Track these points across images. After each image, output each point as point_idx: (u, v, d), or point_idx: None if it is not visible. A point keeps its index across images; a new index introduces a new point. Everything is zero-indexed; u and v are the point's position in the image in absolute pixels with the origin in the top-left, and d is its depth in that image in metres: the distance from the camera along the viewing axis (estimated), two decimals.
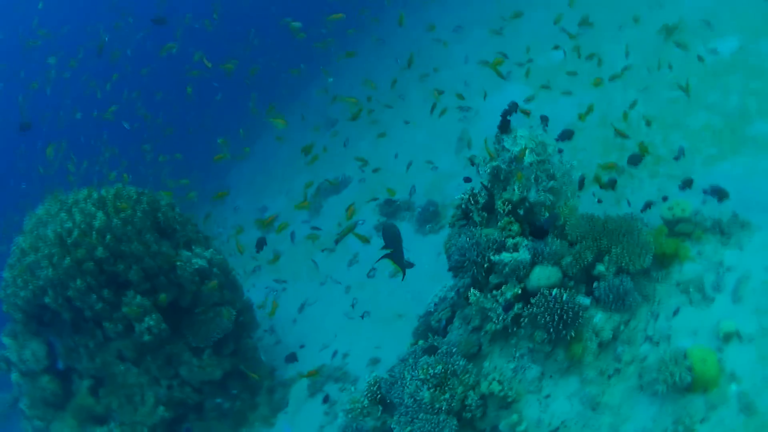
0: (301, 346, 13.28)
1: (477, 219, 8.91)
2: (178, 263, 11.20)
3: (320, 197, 17.49)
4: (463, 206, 9.19)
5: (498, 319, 8.21)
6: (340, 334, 12.86)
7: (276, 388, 12.46)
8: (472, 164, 12.13)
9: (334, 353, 12.48)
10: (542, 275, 8.19)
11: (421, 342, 9.15)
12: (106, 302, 10.81)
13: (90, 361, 11.33)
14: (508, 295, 8.27)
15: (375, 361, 11.72)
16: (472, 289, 8.42)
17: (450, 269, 9.58)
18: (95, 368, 11.36)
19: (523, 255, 8.28)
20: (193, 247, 11.68)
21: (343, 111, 19.47)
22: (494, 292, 8.37)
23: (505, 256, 8.30)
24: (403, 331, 11.70)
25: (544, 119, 11.06)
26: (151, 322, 10.82)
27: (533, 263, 8.34)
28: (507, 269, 8.30)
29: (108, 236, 10.73)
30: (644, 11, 14.90)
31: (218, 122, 24.13)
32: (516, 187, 8.84)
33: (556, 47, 14.03)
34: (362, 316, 12.73)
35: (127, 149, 21.85)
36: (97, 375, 11.45)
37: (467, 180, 10.88)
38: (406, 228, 14.11)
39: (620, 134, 10.20)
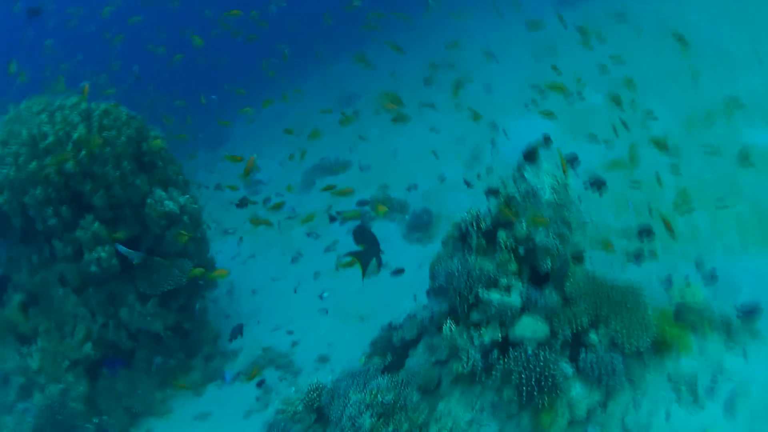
0: (258, 322, 12.12)
1: (474, 245, 7.79)
2: (149, 201, 10.05)
3: (315, 174, 16.32)
4: (462, 227, 8.07)
5: (467, 361, 7.11)
6: (296, 319, 11.73)
7: (215, 356, 11.31)
8: (468, 185, 11.05)
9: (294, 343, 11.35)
10: (529, 327, 7.11)
11: (376, 360, 8.04)
12: (62, 219, 9.66)
13: (29, 276, 10.16)
14: (486, 338, 7.18)
15: (323, 359, 10.60)
16: (448, 321, 7.32)
17: (429, 290, 8.51)
18: (33, 285, 10.20)
19: (514, 299, 7.20)
20: (170, 189, 10.52)
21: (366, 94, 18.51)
22: (472, 331, 7.27)
23: (494, 296, 7.21)
24: (361, 336, 10.57)
25: (574, 160, 9.98)
26: (103, 254, 9.66)
27: (522, 310, 7.25)
28: (493, 310, 7.21)
29: (83, 152, 9.55)
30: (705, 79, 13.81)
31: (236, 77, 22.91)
32: (525, 224, 7.73)
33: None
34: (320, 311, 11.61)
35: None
36: (32, 292, 10.27)
37: (468, 183, 9.86)
38: (394, 230, 13.02)
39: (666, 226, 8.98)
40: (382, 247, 8.83)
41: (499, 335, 7.15)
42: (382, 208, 11.55)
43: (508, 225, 7.80)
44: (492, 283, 7.36)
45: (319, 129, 14.26)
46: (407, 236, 12.62)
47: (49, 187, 9.46)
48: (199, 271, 10.21)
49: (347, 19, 17.89)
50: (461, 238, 8.17)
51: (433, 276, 8.14)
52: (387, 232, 12.89)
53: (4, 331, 10.26)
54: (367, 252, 8.62)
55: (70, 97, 10.53)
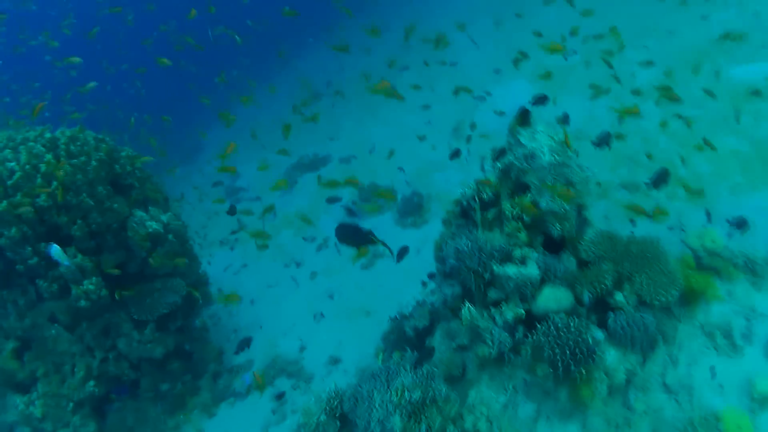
0: (260, 327, 11.53)
1: (479, 220, 7.25)
2: (130, 224, 9.42)
3: (296, 172, 15.71)
4: (463, 203, 7.53)
5: (493, 343, 6.57)
6: (299, 323, 11.15)
7: (222, 373, 10.72)
8: (456, 156, 10.41)
9: (302, 348, 10.76)
10: (552, 297, 6.58)
11: (395, 356, 7.48)
12: (43, 257, 8.99)
13: (18, 320, 9.49)
14: (509, 316, 6.65)
15: (335, 361, 10.04)
16: (467, 303, 6.77)
17: (436, 273, 7.98)
18: (23, 329, 9.53)
19: (532, 270, 6.67)
20: (150, 208, 9.89)
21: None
22: (492, 309, 6.74)
23: (511, 269, 6.67)
24: (370, 331, 10.08)
25: (565, 118, 9.49)
26: (91, 286, 9.02)
27: (542, 281, 6.72)
28: (511, 285, 6.68)
29: (54, 183, 8.90)
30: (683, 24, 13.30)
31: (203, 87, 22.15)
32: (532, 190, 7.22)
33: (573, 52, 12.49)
34: (315, 317, 11.04)
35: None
36: (24, 336, 9.61)
37: (455, 154, 9.32)
38: (385, 217, 12.42)
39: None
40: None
41: (522, 310, 6.61)
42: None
43: (516, 192, 7.29)
44: (506, 257, 6.82)
45: (293, 126, 13.70)
46: (400, 222, 12.06)
47: (24, 225, 8.81)
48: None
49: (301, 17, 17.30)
50: (463, 214, 7.64)
51: (440, 258, 7.60)
52: (378, 220, 12.33)
53: (1, 384, 9.63)
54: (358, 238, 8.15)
55: (32, 128, 9.87)
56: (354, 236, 8.11)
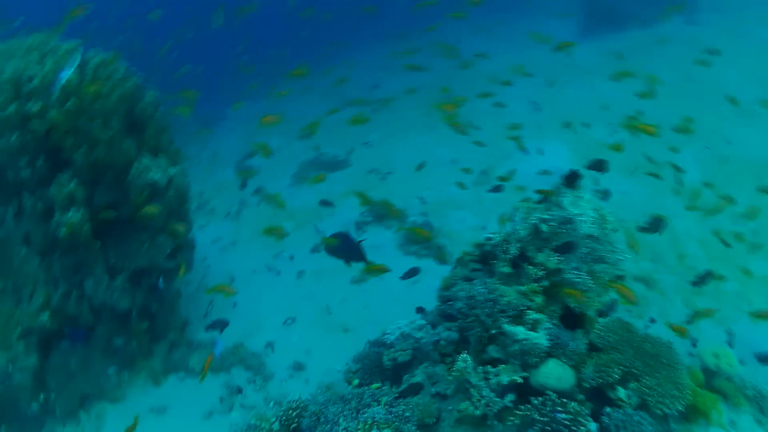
0: (234, 305, 10.84)
1: (498, 271, 6.65)
2: (134, 167, 8.78)
3: (310, 168, 15.07)
4: (487, 248, 6.93)
5: (479, 402, 5.94)
6: (272, 318, 10.46)
7: (180, 345, 10.01)
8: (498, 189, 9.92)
9: (268, 344, 10.08)
10: (555, 374, 5.96)
11: (375, 386, 6.83)
12: (36, 172, 8.36)
13: None
14: (505, 379, 6.01)
15: (299, 367, 9.37)
16: (464, 353, 6.15)
17: (433, 311, 7.38)
18: None
19: (541, 339, 6.04)
20: (160, 157, 9.25)
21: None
22: (488, 367, 6.11)
23: (520, 331, 6.05)
24: (343, 348, 9.42)
25: (606, 192, 8.96)
26: (75, 218, 8.36)
27: (548, 353, 6.10)
28: (516, 348, 6.05)
29: (70, 101, 8.26)
30: None
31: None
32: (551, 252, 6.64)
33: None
34: (286, 322, 10.34)
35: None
36: None
37: (497, 188, 8.78)
38: (389, 238, 11.78)
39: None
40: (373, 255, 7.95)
41: (520, 378, 5.99)
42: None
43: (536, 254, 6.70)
44: (517, 317, 6.21)
45: (321, 124, 13.17)
46: (403, 247, 11.42)
47: (28, 134, 8.17)
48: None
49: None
50: (482, 259, 7.04)
51: (444, 297, 7.00)
52: (381, 239, 11.70)
53: None
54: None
55: (67, 41, 9.25)
56: (345, 247, 7.53)
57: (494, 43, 21.28)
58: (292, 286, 11.12)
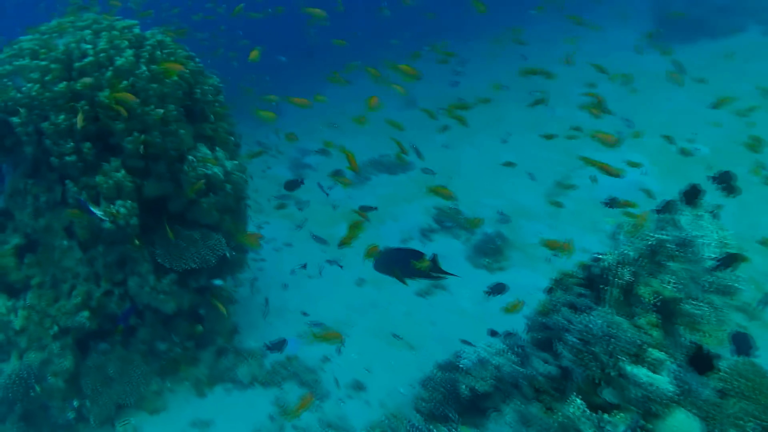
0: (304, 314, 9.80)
1: (610, 298, 5.49)
2: (190, 157, 7.80)
3: (371, 169, 14.01)
4: (595, 270, 5.77)
5: None
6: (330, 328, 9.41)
7: (228, 353, 9.01)
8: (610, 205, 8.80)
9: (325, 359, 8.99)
10: (684, 428, 4.76)
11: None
12: (83, 158, 7.41)
13: (32, 218, 7.93)
14: (623, 430, 4.84)
15: (358, 386, 8.29)
16: (578, 398, 4.99)
17: (533, 342, 6.25)
18: (34, 228, 7.96)
19: (666, 383, 4.86)
20: (218, 149, 8.26)
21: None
22: (603, 415, 4.95)
23: (642, 374, 4.88)
24: (407, 367, 8.38)
25: (716, 210, 7.70)
26: (123, 209, 7.41)
27: (674, 401, 4.92)
28: (637, 392, 4.88)
29: (125, 82, 7.32)
30: None
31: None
32: (671, 280, 5.47)
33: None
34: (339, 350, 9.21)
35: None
36: (32, 237, 8.04)
37: (611, 203, 7.66)
38: (457, 249, 10.66)
39: None
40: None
41: (640, 430, 4.82)
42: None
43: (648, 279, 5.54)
44: (637, 355, 5.04)
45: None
46: (472, 259, 10.29)
47: (76, 115, 7.23)
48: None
49: None
50: (588, 284, 5.89)
51: (539, 325, 5.87)
52: (449, 249, 10.58)
53: None
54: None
55: (123, 19, 8.33)
56: (404, 263, 6.33)
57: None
58: (352, 294, 10.05)
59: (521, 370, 6.04)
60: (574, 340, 5.17)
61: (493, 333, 7.81)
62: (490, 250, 10.09)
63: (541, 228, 10.64)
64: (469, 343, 7.49)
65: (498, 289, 7.94)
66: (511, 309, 7.69)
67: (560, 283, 6.13)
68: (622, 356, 4.95)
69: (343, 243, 6.58)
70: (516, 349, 7.22)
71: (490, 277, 9.84)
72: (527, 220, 10.93)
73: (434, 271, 6.36)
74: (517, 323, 8.22)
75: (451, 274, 7.95)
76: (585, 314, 5.34)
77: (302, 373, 8.54)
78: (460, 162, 13.37)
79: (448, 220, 10.99)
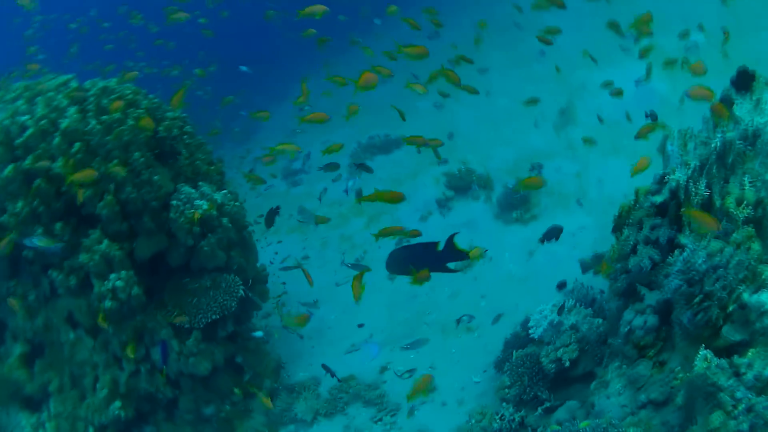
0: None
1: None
2: (174, 202, 6.80)
3: (364, 155, 12.96)
4: (662, 196, 4.80)
5: (740, 411, 3.82)
6: (377, 333, 8.43)
7: (279, 392, 8.06)
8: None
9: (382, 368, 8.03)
10: None
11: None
12: (58, 240, 6.41)
13: (28, 320, 6.97)
14: (766, 371, 3.87)
15: (429, 389, 7.30)
16: (702, 348, 4.01)
17: (612, 291, 5.28)
18: (34, 331, 7.02)
19: None
20: (201, 184, 7.25)
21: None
22: (735, 359, 3.98)
23: (766, 299, 3.90)
24: (472, 352, 7.42)
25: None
26: (119, 282, 6.44)
27: None
28: (765, 321, 3.91)
29: (78, 145, 6.32)
30: None
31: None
32: (751, 181, 4.50)
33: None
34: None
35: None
36: (35, 340, 7.08)
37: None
38: (481, 210, 9.65)
39: None
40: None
41: None
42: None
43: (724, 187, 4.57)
44: (755, 280, 4.07)
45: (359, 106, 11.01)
46: (501, 216, 9.28)
47: (35, 197, 6.24)
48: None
49: None
50: (660, 211, 4.92)
51: (621, 271, 4.89)
52: (473, 213, 9.58)
53: (6, 398, 7.13)
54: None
55: (57, 76, 7.31)
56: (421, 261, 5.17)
57: None
58: (387, 291, 9.04)
59: (599, 324, 5.09)
60: (677, 282, 4.18)
61: (562, 285, 6.89)
62: (516, 202, 9.08)
63: (560, 163, 9.62)
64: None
65: (552, 233, 6.90)
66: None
67: (625, 220, 5.15)
68: (739, 285, 3.97)
69: (357, 298, 5.55)
70: (590, 303, 6.30)
71: (524, 230, 8.85)
72: (544, 159, 9.89)
73: (452, 254, 5.25)
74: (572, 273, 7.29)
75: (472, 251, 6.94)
76: (678, 249, 4.35)
77: (364, 391, 7.60)
78: (457, 120, 12.27)
79: (463, 183, 9.99)
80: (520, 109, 11.19)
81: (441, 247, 4.99)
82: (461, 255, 5.18)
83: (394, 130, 13.10)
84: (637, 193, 5.30)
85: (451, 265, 5.07)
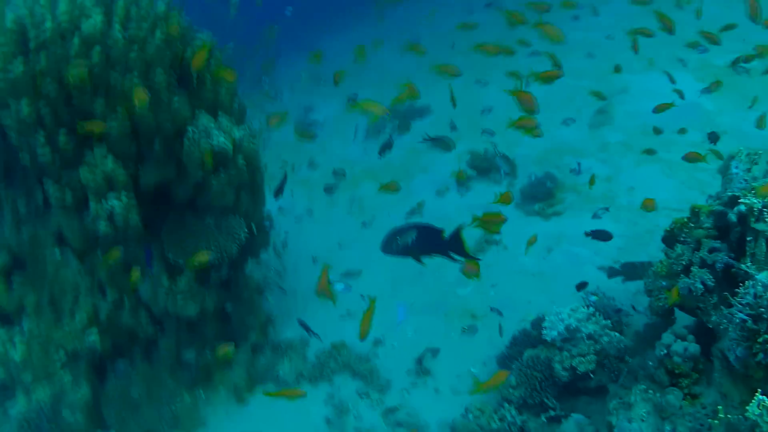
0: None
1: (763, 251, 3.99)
2: (190, 131, 6.21)
3: (384, 120, 12.29)
4: (729, 217, 4.27)
5: None
6: (378, 308, 7.88)
7: (264, 349, 7.55)
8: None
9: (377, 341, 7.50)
10: None
11: None
12: (59, 152, 5.85)
13: (14, 231, 6.42)
14: None
15: (423, 372, 6.82)
16: (760, 396, 3.50)
17: (652, 309, 4.78)
18: (19, 243, 6.46)
19: None
20: (221, 117, 6.64)
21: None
22: None
23: None
24: (474, 341, 6.93)
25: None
26: (118, 206, 5.87)
27: None
28: None
29: (97, 51, 5.71)
30: None
31: None
32: None
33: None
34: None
35: None
36: (18, 253, 6.51)
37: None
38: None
39: None
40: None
41: None
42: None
43: None
44: None
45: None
46: (522, 206, 8.72)
47: (42, 101, 5.64)
48: None
49: None
50: (721, 233, 4.39)
51: (669, 288, 4.37)
52: (492, 197, 9.02)
53: None
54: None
55: None
56: (424, 245, 4.62)
57: None
58: (393, 263, 8.49)
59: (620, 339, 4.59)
60: (742, 316, 3.66)
61: (582, 286, 6.38)
62: (540, 194, 8.52)
63: (590, 163, 9.03)
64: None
65: (602, 235, 6.44)
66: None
67: (677, 235, 4.62)
68: None
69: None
70: (610, 314, 5.82)
71: (545, 224, 8.29)
72: (574, 156, 9.30)
73: (456, 247, 4.70)
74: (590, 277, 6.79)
75: (474, 258, 6.54)
76: (749, 279, 3.82)
77: (354, 363, 7.09)
78: (487, 100, 11.62)
79: (487, 164, 9.40)
80: (558, 100, 10.63)
81: (446, 236, 4.51)
82: (463, 252, 4.67)
83: (420, 98, 12.46)
84: (694, 210, 4.76)
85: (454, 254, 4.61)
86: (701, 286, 4.25)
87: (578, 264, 7.28)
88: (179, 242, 6.49)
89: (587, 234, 6.51)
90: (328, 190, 10.73)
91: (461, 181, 9.39)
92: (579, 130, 9.70)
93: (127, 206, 5.93)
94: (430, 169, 10.13)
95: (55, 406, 6.31)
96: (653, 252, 7.03)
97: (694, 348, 4.27)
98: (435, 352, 6.99)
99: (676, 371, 4.33)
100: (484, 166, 9.45)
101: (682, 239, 4.65)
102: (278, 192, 7.71)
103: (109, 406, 6.54)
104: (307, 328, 6.90)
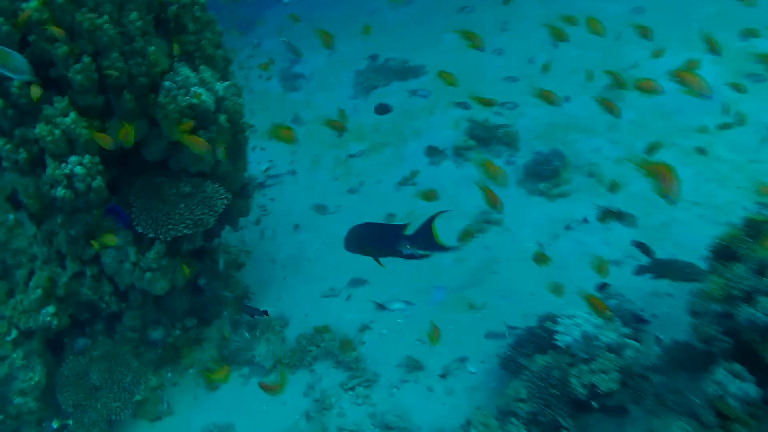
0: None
1: None
2: (167, 83, 5.30)
3: (377, 77, 11.38)
4: None
5: None
6: (370, 289, 7.11)
7: (240, 326, 6.77)
8: None
9: (363, 327, 6.74)
10: None
11: None
12: (12, 103, 4.90)
13: None
14: None
15: (414, 366, 6.09)
16: None
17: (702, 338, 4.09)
18: None
19: None
20: (202, 68, 5.71)
21: None
22: None
23: None
24: (472, 333, 6.22)
25: None
26: (79, 168, 4.98)
27: None
28: None
29: None
30: None
31: None
32: None
33: None
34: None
35: None
36: None
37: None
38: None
39: None
40: None
41: None
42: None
43: None
44: None
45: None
46: (525, 184, 7.92)
47: None
48: None
49: None
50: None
51: (723, 315, 3.68)
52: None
53: None
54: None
55: None
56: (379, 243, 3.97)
57: None
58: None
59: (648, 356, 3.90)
60: None
61: (603, 287, 5.69)
62: (546, 173, 7.74)
63: (599, 143, 8.24)
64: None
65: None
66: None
67: (732, 252, 3.89)
68: None
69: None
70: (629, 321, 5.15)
71: (549, 206, 7.53)
72: (580, 133, 8.48)
73: (424, 241, 3.98)
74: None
75: (448, 248, 6.15)
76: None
77: (338, 350, 6.33)
78: (484, 65, 10.73)
79: (487, 134, 8.56)
80: (564, 72, 9.79)
81: (412, 231, 3.88)
82: (436, 245, 3.96)
83: (414, 56, 11.55)
84: (751, 222, 4.02)
85: (411, 250, 3.93)
86: (766, 319, 3.55)
87: (587, 255, 6.55)
88: (149, 211, 5.62)
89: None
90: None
91: (459, 150, 8.55)
92: (586, 105, 8.84)
93: (90, 169, 5.03)
94: (423, 133, 9.26)
95: (5, 389, 5.52)
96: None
97: (753, 391, 3.59)
98: (426, 342, 6.26)
99: (730, 414, 3.66)
100: (484, 136, 8.62)
101: (739, 256, 3.93)
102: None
103: (65, 391, 5.73)
104: (251, 314, 6.07)
